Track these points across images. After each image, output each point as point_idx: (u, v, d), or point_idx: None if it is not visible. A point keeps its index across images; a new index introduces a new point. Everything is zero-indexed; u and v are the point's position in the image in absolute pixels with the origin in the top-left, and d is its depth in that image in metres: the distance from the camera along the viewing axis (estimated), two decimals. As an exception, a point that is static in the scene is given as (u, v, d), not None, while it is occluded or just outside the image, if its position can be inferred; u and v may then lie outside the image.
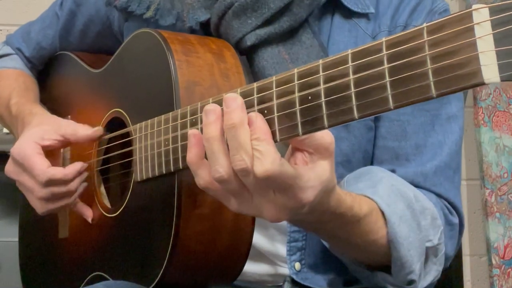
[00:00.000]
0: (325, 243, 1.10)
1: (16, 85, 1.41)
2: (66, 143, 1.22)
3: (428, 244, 1.05)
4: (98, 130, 1.19)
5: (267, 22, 1.12)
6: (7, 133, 1.48)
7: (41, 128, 1.21)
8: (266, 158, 0.77)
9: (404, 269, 1.02)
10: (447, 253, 1.12)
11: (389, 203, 1.01)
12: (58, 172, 1.17)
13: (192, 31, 1.17)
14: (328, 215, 0.90)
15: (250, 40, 1.12)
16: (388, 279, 1.05)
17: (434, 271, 1.08)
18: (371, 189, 1.03)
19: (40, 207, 1.20)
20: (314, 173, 0.80)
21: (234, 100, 0.81)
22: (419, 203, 1.06)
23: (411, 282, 1.05)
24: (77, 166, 1.18)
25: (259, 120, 0.79)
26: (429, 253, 1.06)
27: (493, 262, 2.42)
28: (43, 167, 1.16)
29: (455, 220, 1.15)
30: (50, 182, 1.16)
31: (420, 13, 1.18)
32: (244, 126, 0.79)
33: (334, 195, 0.88)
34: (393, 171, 1.13)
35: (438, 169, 1.14)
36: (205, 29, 1.17)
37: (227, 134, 0.80)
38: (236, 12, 1.12)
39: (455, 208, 1.15)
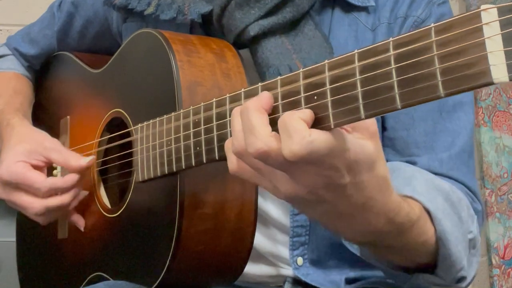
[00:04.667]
0: (355, 250, 1.03)
1: (3, 90, 1.41)
2: (51, 164, 1.23)
3: (470, 236, 1.00)
4: (91, 160, 1.19)
5: (270, 13, 1.12)
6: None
7: (24, 148, 1.21)
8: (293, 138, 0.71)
9: (454, 267, 0.97)
10: None
11: (430, 199, 0.96)
12: (58, 180, 1.18)
13: (193, 23, 1.17)
14: (386, 222, 0.83)
15: (253, 30, 1.11)
16: (435, 280, 0.99)
17: (475, 263, 1.03)
18: (409, 187, 0.97)
19: (40, 221, 1.21)
20: (351, 139, 0.74)
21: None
22: (455, 194, 1.02)
23: (462, 279, 1.00)
24: (75, 177, 1.18)
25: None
26: (470, 246, 1.01)
27: (493, 262, 2.42)
28: (42, 179, 1.17)
29: (479, 207, 1.11)
30: (51, 191, 1.17)
31: (419, 4, 1.17)
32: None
33: (391, 194, 0.82)
34: (407, 161, 1.11)
35: (453, 153, 1.12)
36: (206, 21, 1.17)
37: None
38: (239, 3, 1.12)
39: (475, 194, 1.12)
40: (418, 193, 0.95)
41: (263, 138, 0.73)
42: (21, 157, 1.19)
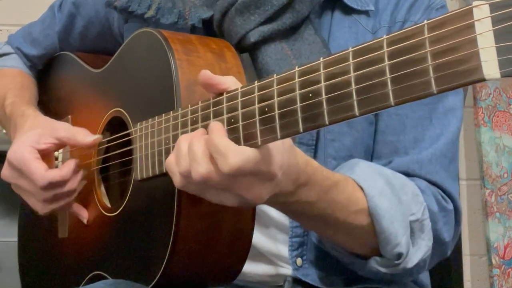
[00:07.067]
0: (315, 237, 1.13)
1: (12, 85, 1.41)
2: (61, 145, 1.23)
3: (412, 218, 1.06)
4: (98, 138, 1.19)
5: (270, 19, 1.13)
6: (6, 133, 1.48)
7: (36, 132, 1.21)
8: (227, 155, 0.83)
9: (390, 243, 1.04)
10: (443, 239, 1.13)
11: (366, 179, 1.05)
12: (56, 174, 1.17)
13: (193, 29, 1.17)
14: (303, 178, 0.94)
15: (253, 37, 1.12)
16: (378, 260, 1.07)
17: (424, 247, 1.09)
18: (349, 171, 1.06)
19: (41, 208, 1.20)
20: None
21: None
22: (397, 180, 1.08)
23: (399, 255, 1.06)
24: (71, 164, 1.18)
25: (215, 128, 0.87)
26: (414, 228, 1.07)
27: (493, 262, 2.42)
28: (42, 172, 1.17)
29: (449, 206, 1.15)
30: (50, 185, 1.17)
31: (418, 8, 1.19)
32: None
33: (296, 151, 0.93)
34: (390, 161, 1.14)
35: (434, 157, 1.15)
36: (207, 27, 1.18)
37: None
38: (239, 9, 1.12)
39: (449, 195, 1.15)
40: (355, 174, 1.06)
41: (204, 164, 0.85)
42: (31, 142, 1.19)
